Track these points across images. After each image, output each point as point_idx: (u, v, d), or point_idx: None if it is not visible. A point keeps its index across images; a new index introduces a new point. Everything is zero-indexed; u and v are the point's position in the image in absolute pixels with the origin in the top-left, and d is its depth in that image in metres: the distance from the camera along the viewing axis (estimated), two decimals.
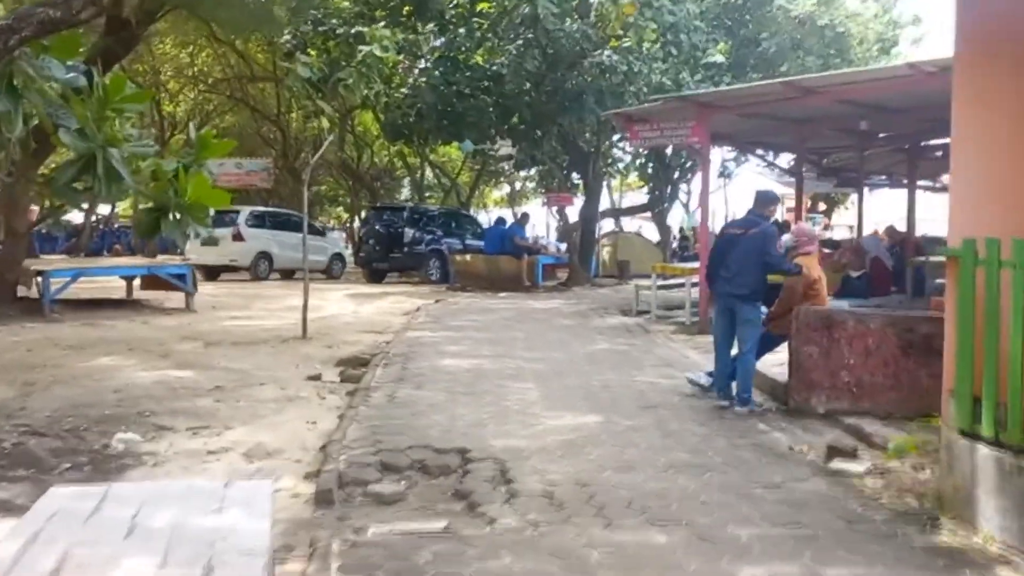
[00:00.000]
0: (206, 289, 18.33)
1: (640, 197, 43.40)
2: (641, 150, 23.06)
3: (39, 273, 12.45)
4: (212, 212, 3.41)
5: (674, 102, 12.00)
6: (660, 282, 14.08)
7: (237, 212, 23.38)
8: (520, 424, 6.57)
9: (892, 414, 6.59)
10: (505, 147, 20.22)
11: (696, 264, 13.41)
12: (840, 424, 6.61)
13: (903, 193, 21.80)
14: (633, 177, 38.29)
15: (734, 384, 7.29)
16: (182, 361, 9.31)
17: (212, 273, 23.22)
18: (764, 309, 7.69)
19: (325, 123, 10.60)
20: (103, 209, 55.26)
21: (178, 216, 3.19)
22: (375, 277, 22.86)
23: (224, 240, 22.52)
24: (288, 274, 24.94)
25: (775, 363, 7.75)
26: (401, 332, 11.78)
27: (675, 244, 27.95)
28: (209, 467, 5.61)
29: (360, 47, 10.95)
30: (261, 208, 24.72)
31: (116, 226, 48.62)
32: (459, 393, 7.68)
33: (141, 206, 3.80)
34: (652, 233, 31.23)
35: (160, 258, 18.46)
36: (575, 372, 8.78)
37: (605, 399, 7.51)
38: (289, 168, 33.78)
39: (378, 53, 10.88)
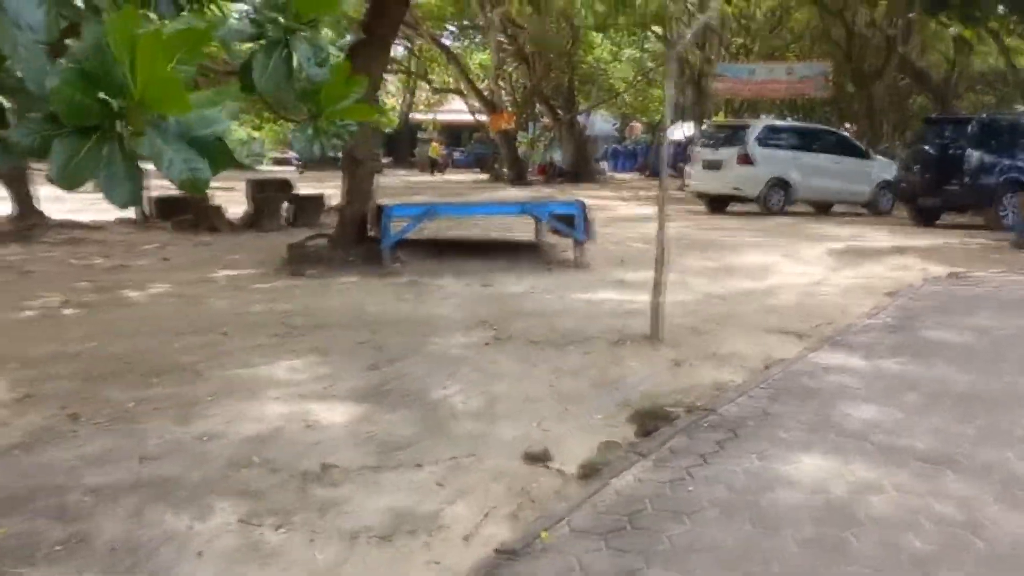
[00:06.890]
0: (685, 226, 14.57)
1: None
2: None
3: (379, 209, 9.91)
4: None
5: None
6: None
7: (746, 128, 18.86)
8: None
9: None
10: None
11: None
12: None
13: None
14: None
15: None
16: (397, 379, 5.50)
17: (717, 204, 19.24)
18: None
19: None
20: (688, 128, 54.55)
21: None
22: (923, 217, 16.46)
23: (728, 164, 18.35)
24: (823, 208, 19.81)
25: None
26: (821, 345, 6.61)
27: None
28: None
29: None
30: (779, 122, 19.82)
31: (684, 142, 46.87)
32: None
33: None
34: None
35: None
36: None
37: None
38: (854, 74, 27.76)
39: None
